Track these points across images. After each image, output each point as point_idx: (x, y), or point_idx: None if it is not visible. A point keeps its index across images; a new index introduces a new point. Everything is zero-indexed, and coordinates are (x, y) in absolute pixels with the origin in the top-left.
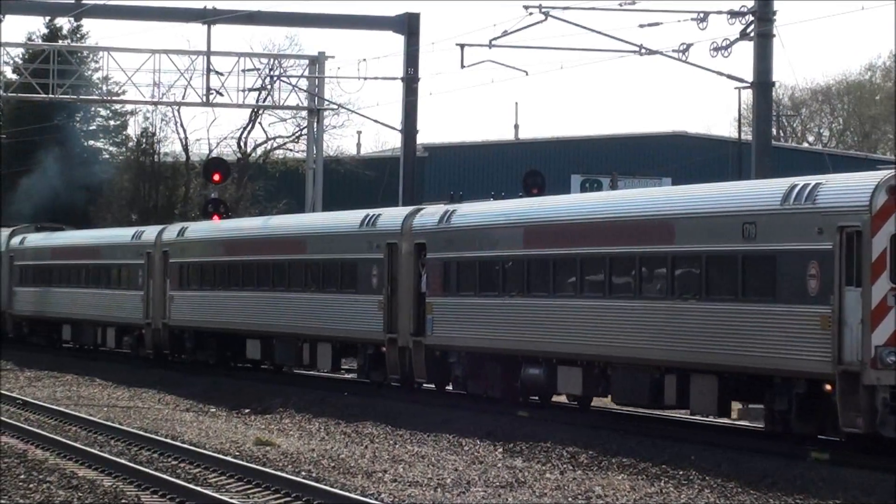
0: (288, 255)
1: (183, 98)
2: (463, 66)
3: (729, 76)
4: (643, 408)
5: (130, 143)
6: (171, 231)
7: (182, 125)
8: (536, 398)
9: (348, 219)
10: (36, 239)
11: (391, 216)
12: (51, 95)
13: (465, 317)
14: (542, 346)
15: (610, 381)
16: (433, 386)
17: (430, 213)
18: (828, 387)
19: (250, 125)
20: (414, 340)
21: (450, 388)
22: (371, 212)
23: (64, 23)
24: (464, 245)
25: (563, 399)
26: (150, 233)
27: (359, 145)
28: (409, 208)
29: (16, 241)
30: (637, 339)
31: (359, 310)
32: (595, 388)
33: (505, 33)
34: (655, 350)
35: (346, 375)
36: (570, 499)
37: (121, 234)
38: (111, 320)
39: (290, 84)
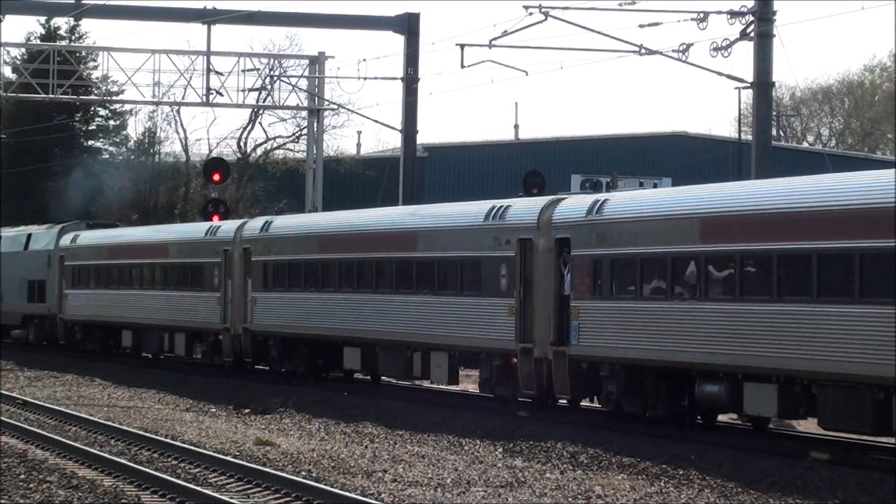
0: (396, 253)
1: (183, 98)
2: (463, 66)
3: (729, 76)
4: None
5: (130, 143)
6: (254, 225)
7: (182, 125)
8: (702, 419)
9: (470, 210)
10: (90, 237)
11: (524, 207)
12: (51, 95)
13: (621, 323)
14: (721, 358)
15: (815, 400)
16: (566, 401)
17: (574, 204)
18: None
19: (250, 125)
20: (554, 350)
21: (595, 404)
22: (499, 202)
23: (62, 23)
24: (621, 240)
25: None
26: (227, 228)
27: (359, 145)
28: (546, 198)
29: (66, 239)
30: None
31: (484, 315)
32: (795, 409)
33: (505, 33)
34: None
35: (469, 389)
36: (570, 499)
37: (193, 231)
38: (180, 325)
39: (290, 84)
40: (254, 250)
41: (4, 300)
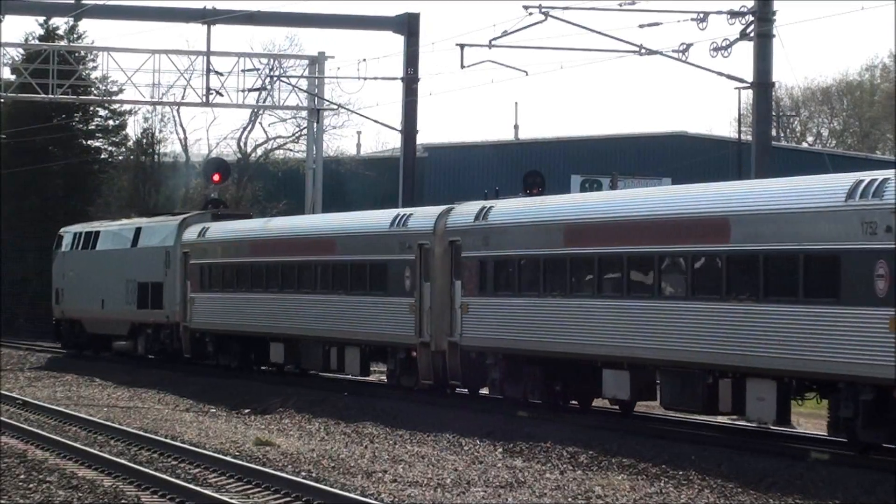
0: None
1: (182, 98)
2: (463, 66)
3: (729, 76)
4: None
5: (130, 143)
6: (465, 213)
7: (181, 125)
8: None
9: (379, 218)
10: (224, 230)
11: (423, 216)
12: (50, 95)
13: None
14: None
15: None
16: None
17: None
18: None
19: (250, 125)
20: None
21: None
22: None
23: (61, 23)
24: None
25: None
26: (423, 217)
27: (359, 145)
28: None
29: (191, 233)
30: None
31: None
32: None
33: (505, 33)
34: None
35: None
36: (570, 499)
37: (372, 220)
38: (354, 338)
39: (290, 84)
40: (465, 244)
41: (106, 306)
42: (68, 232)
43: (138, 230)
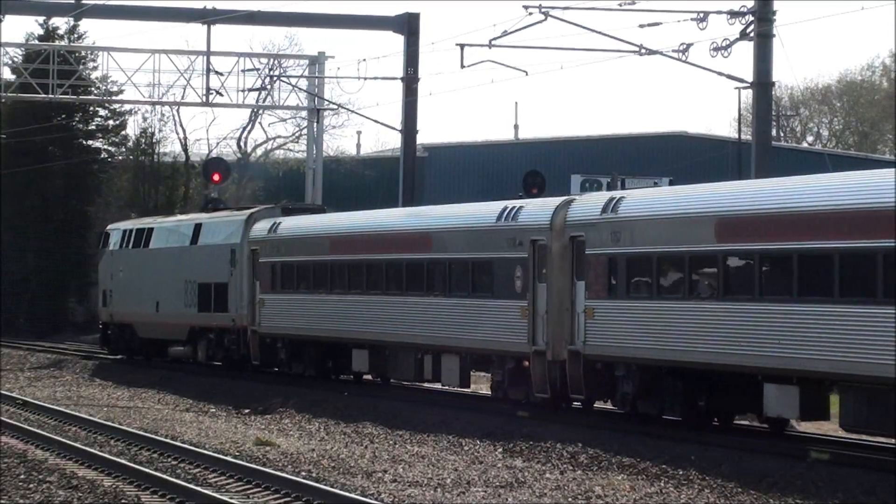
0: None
1: (182, 98)
2: (463, 66)
3: (729, 76)
4: None
5: (129, 143)
6: (589, 205)
7: (181, 125)
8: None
9: (483, 211)
10: (300, 225)
11: (537, 208)
12: (50, 95)
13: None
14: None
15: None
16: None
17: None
18: None
19: (250, 125)
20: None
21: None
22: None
23: (61, 23)
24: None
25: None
26: (537, 210)
27: (359, 145)
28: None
29: (260, 229)
30: None
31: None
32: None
33: (505, 33)
34: None
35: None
36: (570, 499)
37: (476, 213)
38: (453, 344)
39: (289, 84)
40: (590, 240)
41: (162, 309)
42: (116, 229)
43: (198, 226)
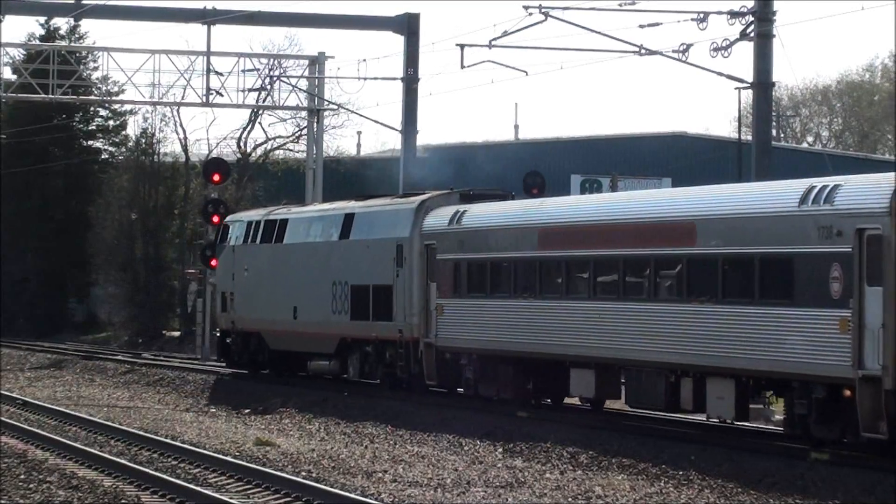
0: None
1: (182, 98)
2: (463, 66)
3: (729, 76)
4: None
5: (130, 143)
6: None
7: (182, 125)
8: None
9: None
10: (494, 213)
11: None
12: (51, 96)
13: None
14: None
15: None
16: None
17: None
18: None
19: (250, 125)
20: None
21: None
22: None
23: (62, 23)
24: None
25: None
26: (863, 189)
27: (359, 145)
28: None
29: (438, 219)
30: None
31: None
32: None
33: (505, 33)
34: None
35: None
36: (570, 499)
37: (761, 196)
38: (724, 365)
39: (289, 84)
40: None
41: (301, 316)
42: (239, 220)
43: (349, 217)
